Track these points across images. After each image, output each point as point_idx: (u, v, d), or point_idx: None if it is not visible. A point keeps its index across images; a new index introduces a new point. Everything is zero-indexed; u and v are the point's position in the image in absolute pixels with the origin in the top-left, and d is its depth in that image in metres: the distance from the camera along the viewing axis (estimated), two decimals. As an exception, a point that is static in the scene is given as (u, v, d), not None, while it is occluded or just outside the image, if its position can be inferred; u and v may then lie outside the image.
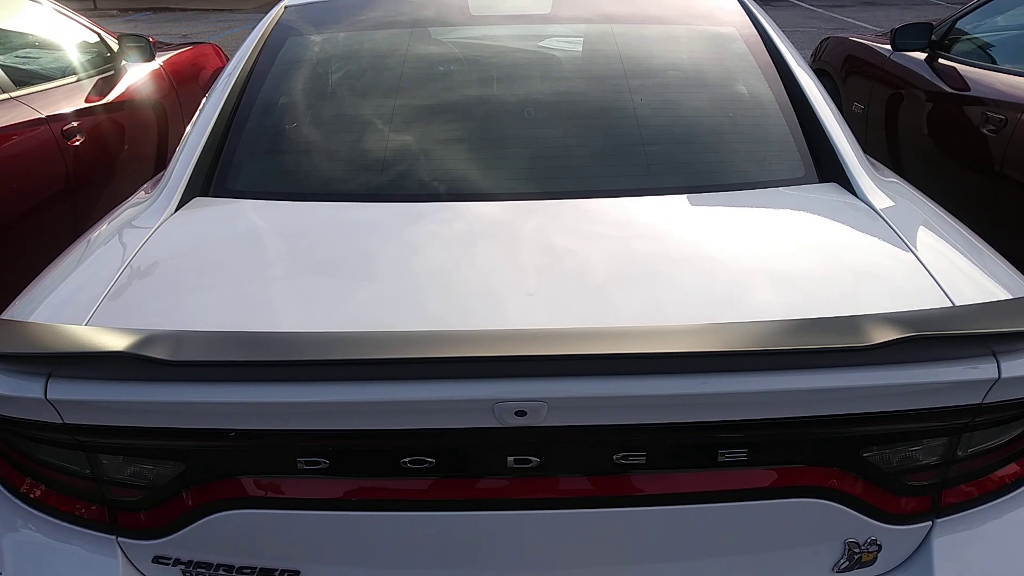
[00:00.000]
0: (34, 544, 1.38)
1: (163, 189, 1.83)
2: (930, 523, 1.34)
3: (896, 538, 1.33)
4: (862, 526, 1.30)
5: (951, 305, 1.34)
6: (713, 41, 2.25)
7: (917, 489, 1.31)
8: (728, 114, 2.04)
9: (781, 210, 1.73)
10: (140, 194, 1.99)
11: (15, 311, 1.45)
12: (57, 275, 1.56)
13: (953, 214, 1.79)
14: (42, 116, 3.11)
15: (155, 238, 1.63)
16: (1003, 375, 1.21)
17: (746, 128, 2.00)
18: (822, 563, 1.33)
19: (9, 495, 1.40)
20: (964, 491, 1.35)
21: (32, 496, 1.38)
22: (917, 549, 1.35)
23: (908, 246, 1.53)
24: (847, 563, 1.33)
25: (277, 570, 1.32)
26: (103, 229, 1.78)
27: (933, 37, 3.66)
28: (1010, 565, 1.35)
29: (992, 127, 3.09)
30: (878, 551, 1.33)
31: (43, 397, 1.20)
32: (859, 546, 1.32)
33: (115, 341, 1.17)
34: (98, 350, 1.17)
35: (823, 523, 1.30)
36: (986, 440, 1.32)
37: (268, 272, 1.51)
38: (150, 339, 1.17)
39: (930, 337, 1.16)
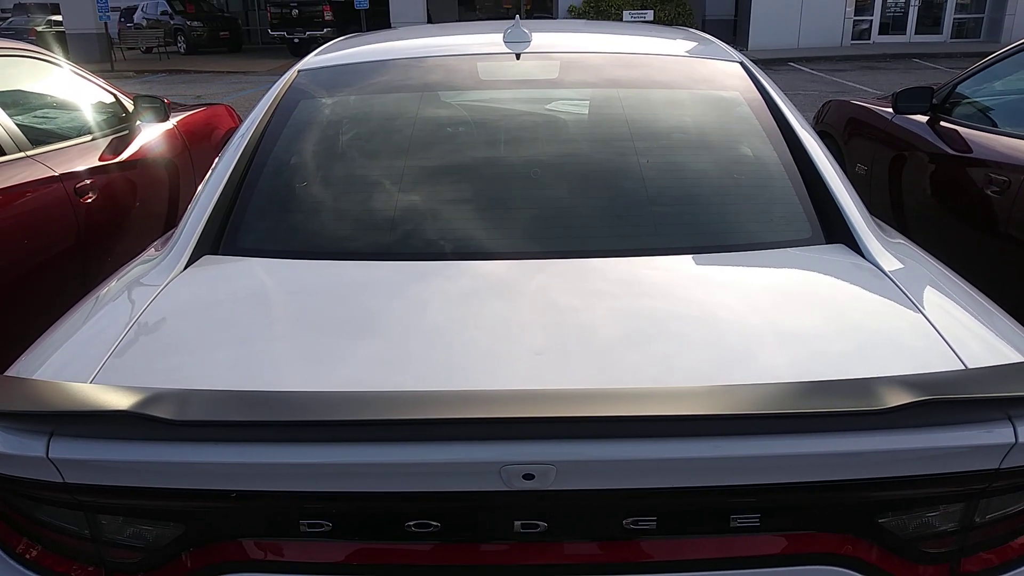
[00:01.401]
0: None
1: (173, 246, 1.85)
2: None
3: None
4: None
5: (964, 368, 1.32)
6: (718, 105, 2.29)
7: (934, 556, 1.28)
8: (734, 176, 2.05)
9: (789, 271, 1.73)
10: (150, 251, 2.00)
11: (20, 367, 1.44)
12: (64, 332, 1.56)
13: (959, 274, 1.79)
14: (56, 174, 3.16)
15: (163, 296, 1.64)
16: (1020, 439, 1.19)
17: (752, 189, 2.01)
18: (838, 634, 1.29)
19: (4, 556, 1.37)
20: (984, 559, 1.31)
21: (28, 556, 1.35)
22: None
23: (918, 307, 1.52)
24: (864, 634, 1.29)
25: (277, 637, 1.28)
26: (112, 286, 1.78)
27: (934, 100, 3.72)
28: None
29: (996, 188, 3.11)
30: (895, 621, 1.29)
31: (45, 456, 1.19)
32: (875, 615, 1.28)
33: (119, 400, 1.17)
34: (101, 409, 1.17)
35: None
36: (1005, 506, 1.29)
37: (275, 331, 1.51)
38: (154, 398, 1.17)
39: (945, 401, 1.15)
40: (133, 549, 1.27)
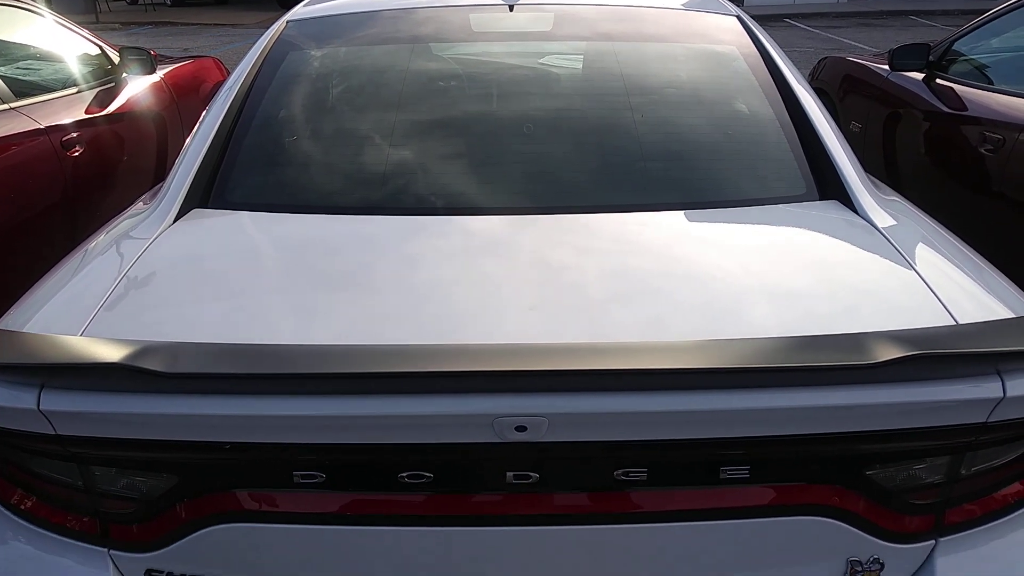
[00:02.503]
0: (25, 557, 1.36)
1: (161, 200, 1.82)
2: (933, 542, 1.33)
3: (899, 557, 1.31)
4: (864, 544, 1.29)
5: (955, 323, 1.33)
6: (714, 59, 2.26)
7: (920, 508, 1.30)
8: (728, 131, 2.03)
9: (782, 227, 1.72)
10: (138, 205, 1.98)
11: (10, 321, 1.43)
12: (53, 285, 1.54)
13: (952, 232, 1.79)
14: (41, 127, 3.11)
15: (152, 249, 1.62)
16: (1008, 394, 1.20)
17: (746, 145, 2.00)
18: (824, 582, 1.32)
19: (1, 507, 1.38)
20: (967, 510, 1.34)
21: (23, 508, 1.36)
22: (920, 568, 1.34)
23: (910, 264, 1.52)
24: (849, 582, 1.32)
25: (272, 585, 1.30)
26: (100, 239, 1.76)
27: (931, 58, 3.69)
28: None
29: (990, 146, 3.10)
30: (880, 570, 1.32)
31: (36, 408, 1.19)
32: (861, 564, 1.31)
33: (109, 352, 1.16)
34: (92, 361, 1.16)
35: (825, 541, 1.28)
36: (990, 459, 1.31)
37: (265, 284, 1.50)
38: (145, 351, 1.16)
39: (935, 356, 1.15)
40: (127, 500, 1.28)
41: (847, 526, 1.27)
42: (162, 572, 1.31)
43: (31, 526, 1.35)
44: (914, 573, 1.34)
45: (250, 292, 1.47)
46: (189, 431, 1.21)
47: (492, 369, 1.13)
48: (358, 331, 1.33)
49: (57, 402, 1.19)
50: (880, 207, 1.78)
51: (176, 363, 1.14)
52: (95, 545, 1.32)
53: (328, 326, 1.35)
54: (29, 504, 1.35)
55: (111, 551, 1.31)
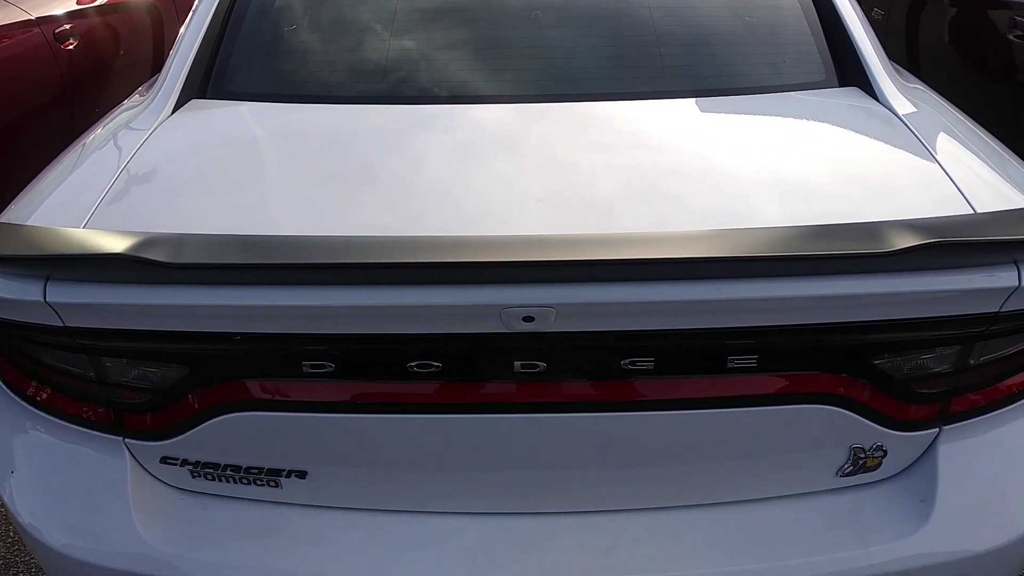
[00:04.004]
0: (44, 446, 1.40)
1: (159, 91, 1.77)
2: (937, 430, 1.34)
3: (902, 444, 1.33)
4: (869, 432, 1.30)
5: (973, 212, 1.30)
6: None
7: (926, 397, 1.30)
8: (746, 15, 1.94)
9: (800, 114, 1.67)
10: (135, 97, 1.93)
11: (12, 215, 1.42)
12: (53, 179, 1.52)
13: (975, 121, 1.73)
14: (32, 17, 3.00)
15: (151, 141, 1.58)
16: (1023, 283, 1.18)
17: (764, 30, 1.91)
18: (826, 468, 1.34)
19: (17, 398, 1.40)
20: (972, 399, 1.34)
21: (40, 399, 1.38)
22: (922, 455, 1.36)
23: (930, 152, 1.48)
24: (851, 468, 1.34)
25: (284, 471, 1.33)
26: (98, 132, 1.73)
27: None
28: (1013, 472, 1.36)
29: (1019, 32, 2.97)
30: (883, 457, 1.33)
31: (42, 300, 1.19)
32: (864, 452, 1.32)
33: (113, 243, 1.15)
34: (96, 252, 1.15)
35: (830, 429, 1.29)
36: (999, 349, 1.31)
37: (268, 175, 1.47)
38: (149, 241, 1.15)
39: (951, 244, 1.13)
40: (139, 390, 1.30)
41: (852, 414, 1.28)
42: (176, 460, 1.34)
43: (49, 417, 1.38)
44: (916, 460, 1.36)
45: (252, 183, 1.44)
46: (195, 322, 1.21)
47: (499, 260, 1.12)
48: (363, 222, 1.31)
49: (63, 294, 1.19)
50: (902, 94, 1.72)
51: (179, 254, 1.13)
52: (110, 434, 1.34)
53: (333, 217, 1.33)
54: (45, 396, 1.38)
55: (126, 440, 1.34)
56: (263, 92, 1.78)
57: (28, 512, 1.37)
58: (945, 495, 1.32)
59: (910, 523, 1.31)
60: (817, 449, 1.33)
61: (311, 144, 1.59)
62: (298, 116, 1.69)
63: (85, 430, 1.36)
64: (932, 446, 1.35)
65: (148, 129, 1.63)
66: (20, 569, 2.25)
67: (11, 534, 2.33)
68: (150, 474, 1.36)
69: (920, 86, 1.89)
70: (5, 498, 1.39)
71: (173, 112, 1.71)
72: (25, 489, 1.38)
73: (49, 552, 1.35)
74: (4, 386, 1.42)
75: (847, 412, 1.27)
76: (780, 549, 1.32)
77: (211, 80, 1.81)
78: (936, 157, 1.46)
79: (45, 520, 1.36)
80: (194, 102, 1.76)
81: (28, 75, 2.96)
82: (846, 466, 1.34)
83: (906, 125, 1.58)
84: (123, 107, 1.86)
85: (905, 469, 1.36)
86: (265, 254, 1.14)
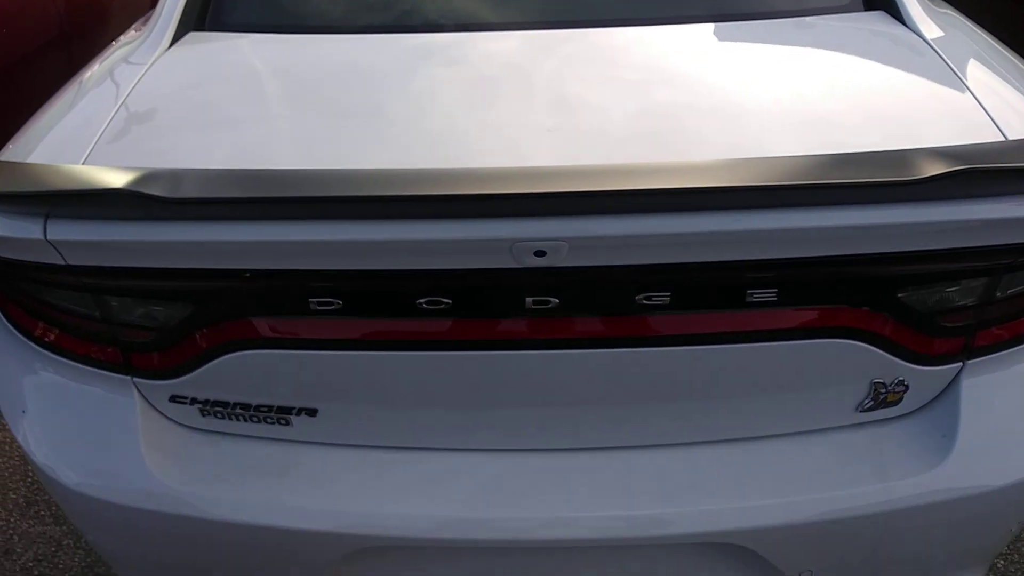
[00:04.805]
0: (53, 386, 1.39)
1: (155, 25, 1.72)
2: (960, 364, 1.31)
3: (924, 379, 1.30)
4: (891, 367, 1.27)
5: (1004, 140, 1.24)
6: None
7: (951, 330, 1.27)
8: None
9: (824, 40, 1.60)
10: (131, 32, 1.87)
11: (10, 153, 1.39)
12: (51, 117, 1.48)
13: (1007, 46, 1.66)
14: (28, -46, 2.93)
15: (149, 75, 1.54)
16: None
17: None
18: (846, 404, 1.31)
19: (25, 339, 1.39)
20: (997, 333, 1.31)
21: (47, 340, 1.37)
22: (944, 391, 1.33)
23: (959, 78, 1.41)
24: (872, 403, 1.31)
25: (294, 409, 1.32)
26: (95, 69, 1.68)
27: None
28: None
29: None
30: (904, 392, 1.31)
31: (43, 238, 1.16)
32: (886, 387, 1.30)
33: (113, 179, 1.12)
34: (96, 188, 1.12)
35: (852, 364, 1.26)
36: None
37: (269, 109, 1.42)
38: (149, 176, 1.12)
39: (981, 171, 1.08)
40: (145, 329, 1.28)
41: (875, 349, 1.24)
42: (186, 399, 1.33)
43: (57, 357, 1.37)
44: (937, 395, 1.33)
45: (255, 117, 1.40)
46: (199, 259, 1.18)
47: (510, 191, 1.08)
48: (369, 156, 1.27)
49: (64, 231, 1.16)
50: (930, 19, 1.64)
51: (180, 188, 1.10)
52: (118, 373, 1.33)
53: (337, 150, 1.28)
54: (52, 336, 1.36)
55: (134, 379, 1.33)
56: (261, 23, 1.72)
57: (41, 452, 1.37)
58: (967, 429, 1.29)
59: (930, 458, 1.29)
60: (837, 385, 1.30)
61: (313, 76, 1.54)
62: (298, 48, 1.63)
63: (93, 370, 1.35)
64: (955, 381, 1.32)
65: (145, 64, 1.58)
66: (41, 508, 2.29)
67: (30, 474, 2.36)
68: (160, 413, 1.36)
69: (949, 10, 1.81)
70: (19, 438, 1.39)
71: (171, 46, 1.65)
72: (37, 429, 1.38)
73: (64, 490, 1.35)
74: (12, 327, 1.41)
75: (869, 346, 1.24)
76: (797, 485, 1.30)
77: (208, 12, 1.76)
78: (966, 84, 1.40)
79: (58, 459, 1.36)
80: (192, 35, 1.70)
81: (27, 13, 2.90)
82: (866, 401, 1.31)
83: (935, 51, 1.51)
84: (120, 43, 1.81)
85: (926, 404, 1.34)
86: (268, 187, 1.11)
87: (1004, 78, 1.46)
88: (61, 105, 1.52)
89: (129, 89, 1.49)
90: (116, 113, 1.40)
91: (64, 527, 2.20)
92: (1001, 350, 1.32)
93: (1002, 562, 2.10)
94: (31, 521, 2.23)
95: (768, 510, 1.28)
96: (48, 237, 1.16)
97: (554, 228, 1.11)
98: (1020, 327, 1.31)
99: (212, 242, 1.14)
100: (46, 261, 1.20)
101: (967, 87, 1.38)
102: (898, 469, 1.30)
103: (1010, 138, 1.24)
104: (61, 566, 2.10)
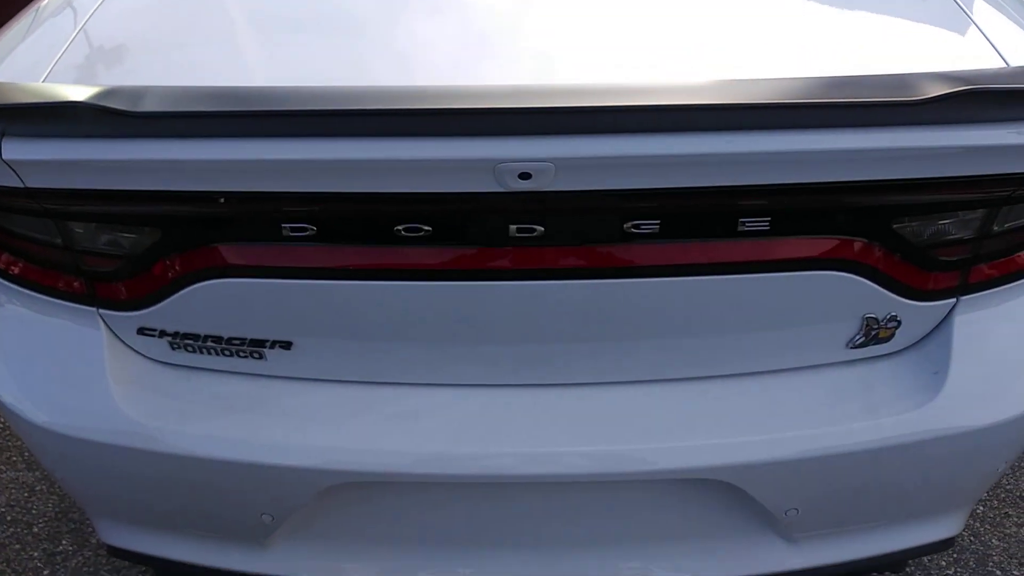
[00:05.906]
0: (16, 319, 1.34)
1: None
2: (954, 300, 1.28)
3: (917, 314, 1.27)
4: (884, 301, 1.24)
5: (1006, 66, 1.20)
6: None
7: (946, 264, 1.24)
8: None
9: None
10: None
11: (-35, 74, 1.31)
12: (10, 38, 1.40)
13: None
14: None
15: None
16: None
17: None
18: (837, 340, 1.28)
19: None
20: (992, 269, 1.28)
21: (12, 272, 1.31)
22: (936, 327, 1.30)
23: (963, 9, 1.37)
24: (863, 339, 1.28)
25: (268, 342, 1.27)
26: None
27: None
28: None
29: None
30: (896, 327, 1.28)
31: None
32: (878, 322, 1.26)
33: (73, 93, 1.06)
34: (54, 101, 1.06)
35: (843, 298, 1.23)
36: (1023, 215, 1.23)
37: (241, 28, 1.35)
38: (111, 92, 1.06)
39: (985, 92, 1.04)
40: (110, 257, 1.22)
41: (868, 282, 1.21)
42: (154, 331, 1.28)
43: (22, 289, 1.31)
44: (929, 332, 1.31)
45: (223, 37, 1.33)
46: (164, 180, 1.12)
47: (493, 107, 1.02)
48: (345, 74, 1.21)
49: (21, 150, 1.10)
50: None
51: (144, 103, 1.04)
52: (84, 304, 1.28)
53: (312, 69, 1.22)
54: (17, 269, 1.31)
55: (100, 310, 1.28)
56: None
57: (6, 389, 1.31)
58: (958, 366, 1.27)
59: (921, 395, 1.27)
60: (828, 319, 1.27)
61: None
62: None
63: (58, 301, 1.29)
64: (948, 317, 1.29)
65: None
66: (13, 453, 2.24)
67: (1, 419, 2.31)
68: (128, 346, 1.30)
69: None
70: None
71: None
72: (1, 366, 1.33)
73: (30, 428, 1.30)
74: (-27, 259, 1.35)
75: (862, 279, 1.21)
76: (784, 422, 1.27)
77: None
78: (967, 11, 1.35)
79: (23, 396, 1.31)
80: None
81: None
82: (857, 337, 1.28)
83: None
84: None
85: (918, 341, 1.31)
86: (235, 102, 1.05)
87: (1006, 9, 1.41)
88: (20, 27, 1.45)
89: (92, 9, 1.41)
90: (77, 32, 1.33)
91: (37, 472, 2.16)
92: (995, 286, 1.29)
93: (981, 507, 2.11)
94: (3, 467, 2.19)
95: (754, 446, 1.26)
96: (4, 156, 1.10)
97: (540, 148, 1.06)
98: (1015, 263, 1.29)
99: (178, 160, 1.08)
100: (3, 184, 1.14)
101: (968, 15, 1.34)
102: (888, 406, 1.27)
103: (1012, 64, 1.20)
104: (34, 511, 2.06)
